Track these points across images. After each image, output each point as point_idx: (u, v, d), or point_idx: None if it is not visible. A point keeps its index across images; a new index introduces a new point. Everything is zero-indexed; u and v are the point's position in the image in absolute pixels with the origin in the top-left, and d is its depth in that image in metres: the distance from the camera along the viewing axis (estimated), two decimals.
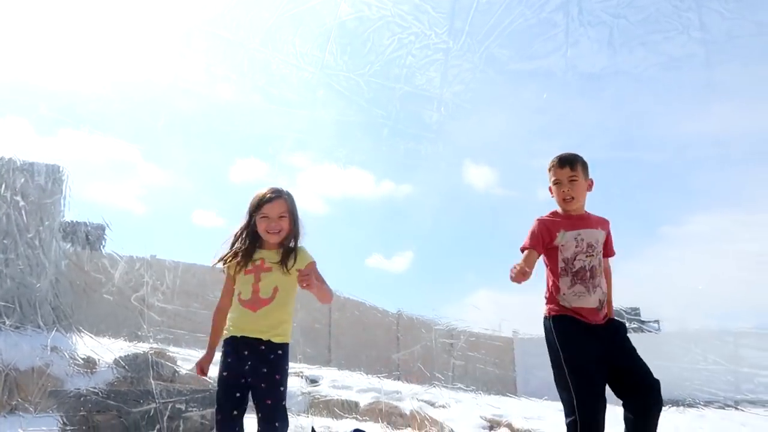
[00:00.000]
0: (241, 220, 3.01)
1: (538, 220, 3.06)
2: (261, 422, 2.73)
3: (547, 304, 3.04)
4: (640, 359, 2.90)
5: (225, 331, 2.88)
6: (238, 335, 2.82)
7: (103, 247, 11.83)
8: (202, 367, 2.98)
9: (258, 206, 2.94)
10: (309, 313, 13.61)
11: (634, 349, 2.92)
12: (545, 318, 3.03)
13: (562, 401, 2.83)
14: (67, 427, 5.09)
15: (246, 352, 2.79)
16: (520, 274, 2.77)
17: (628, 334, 3.06)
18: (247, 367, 2.77)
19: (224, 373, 2.78)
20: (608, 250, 3.11)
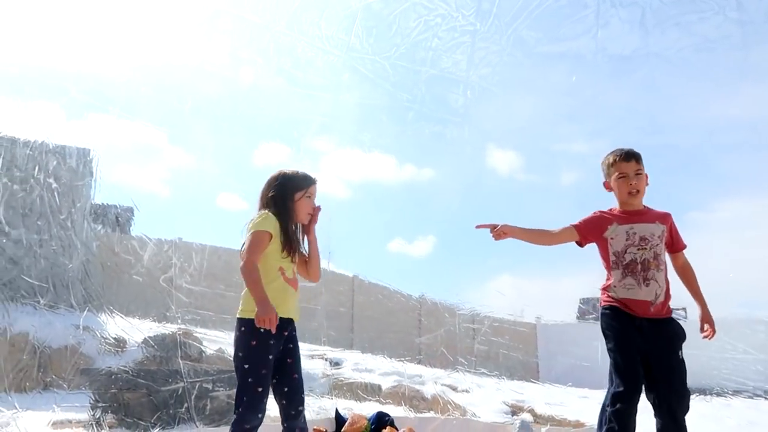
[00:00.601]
0: (271, 192, 2.90)
1: (596, 211, 3.16)
2: (286, 396, 2.79)
3: (601, 294, 3.13)
4: (677, 382, 2.87)
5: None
6: (283, 316, 2.78)
7: (132, 229, 12.07)
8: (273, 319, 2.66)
9: (305, 185, 2.94)
10: (333, 296, 13.72)
11: (674, 369, 2.89)
12: (600, 308, 3.15)
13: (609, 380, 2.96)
14: (99, 404, 5.24)
15: (285, 333, 2.82)
16: (496, 233, 3.03)
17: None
18: (281, 346, 2.81)
19: (270, 357, 2.73)
20: (675, 244, 3.09)
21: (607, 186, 3.15)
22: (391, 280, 14.90)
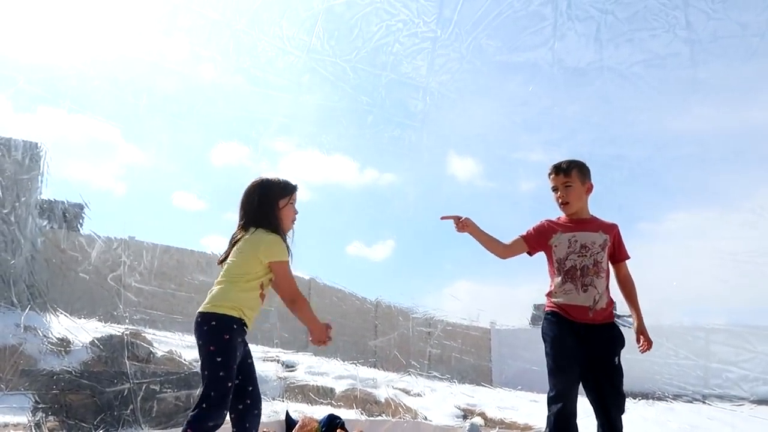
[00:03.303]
0: (257, 202, 2.87)
1: (543, 219, 3.26)
2: (251, 395, 2.79)
3: (546, 300, 3.22)
4: (612, 386, 2.95)
5: (236, 312, 2.73)
6: (247, 325, 2.80)
7: (81, 226, 11.68)
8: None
9: (287, 191, 2.93)
10: None
11: (609, 374, 2.97)
12: (544, 313, 3.25)
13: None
14: (39, 406, 5.04)
15: (245, 338, 2.84)
16: (459, 224, 3.14)
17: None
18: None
19: (238, 354, 2.71)
20: (617, 255, 3.16)
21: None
22: (348, 283, 14.88)
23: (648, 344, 3.07)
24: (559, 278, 3.11)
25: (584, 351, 2.97)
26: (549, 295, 3.17)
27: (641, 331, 3.11)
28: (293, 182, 2.97)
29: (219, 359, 2.62)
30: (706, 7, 7.63)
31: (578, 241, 3.10)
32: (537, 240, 3.21)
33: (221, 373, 2.60)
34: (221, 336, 2.67)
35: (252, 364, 2.86)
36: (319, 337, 2.85)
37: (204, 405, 2.56)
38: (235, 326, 2.70)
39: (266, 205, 2.85)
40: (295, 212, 2.95)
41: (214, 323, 2.70)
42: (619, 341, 3.04)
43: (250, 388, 2.79)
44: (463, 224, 3.14)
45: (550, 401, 2.94)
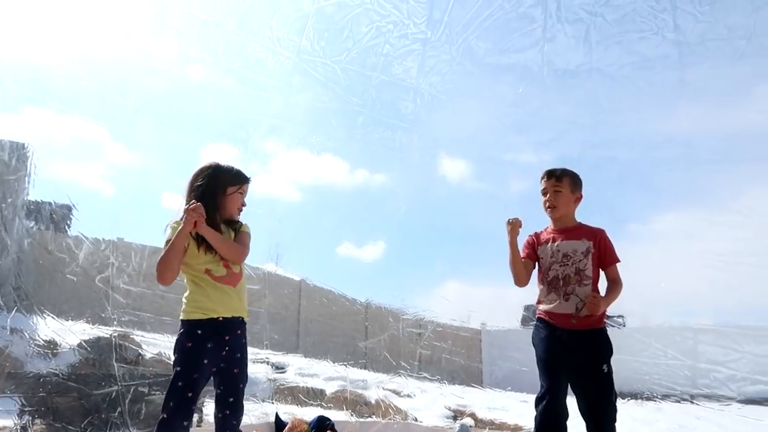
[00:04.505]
0: (199, 182, 2.80)
1: (531, 233, 3.31)
2: (231, 406, 2.71)
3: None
4: (599, 394, 2.96)
5: (199, 313, 2.67)
6: (223, 316, 2.69)
7: (69, 227, 11.57)
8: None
9: (238, 180, 2.88)
10: (278, 299, 13.56)
11: (595, 381, 2.97)
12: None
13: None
14: (26, 409, 5.00)
15: (227, 337, 2.70)
16: (513, 227, 3.12)
17: None
18: (224, 352, 2.70)
19: (205, 361, 2.62)
20: (602, 260, 3.13)
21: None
22: (338, 284, 14.84)
23: (595, 302, 2.97)
24: (545, 288, 3.18)
25: (571, 357, 3.01)
26: (538, 303, 3.23)
27: (594, 294, 3.03)
28: (247, 174, 2.94)
29: (178, 368, 2.61)
30: (693, 10, 7.70)
31: (560, 250, 3.14)
32: (533, 254, 3.24)
33: (180, 383, 2.58)
34: (183, 344, 2.65)
35: (238, 375, 2.75)
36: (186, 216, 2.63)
37: (164, 415, 2.55)
38: (199, 331, 2.64)
39: (209, 188, 2.79)
40: (243, 204, 2.91)
41: (180, 330, 2.69)
42: (607, 349, 3.05)
43: (231, 399, 2.72)
44: (516, 225, 3.13)
45: (537, 401, 3.03)
